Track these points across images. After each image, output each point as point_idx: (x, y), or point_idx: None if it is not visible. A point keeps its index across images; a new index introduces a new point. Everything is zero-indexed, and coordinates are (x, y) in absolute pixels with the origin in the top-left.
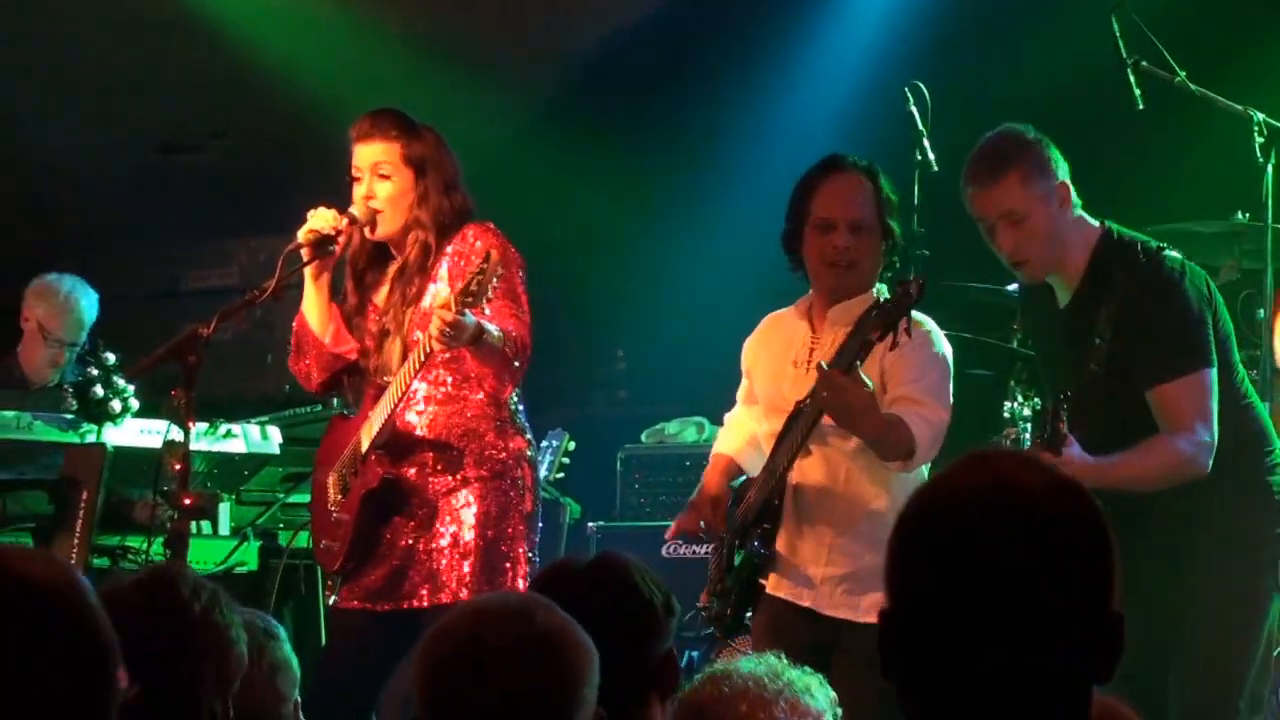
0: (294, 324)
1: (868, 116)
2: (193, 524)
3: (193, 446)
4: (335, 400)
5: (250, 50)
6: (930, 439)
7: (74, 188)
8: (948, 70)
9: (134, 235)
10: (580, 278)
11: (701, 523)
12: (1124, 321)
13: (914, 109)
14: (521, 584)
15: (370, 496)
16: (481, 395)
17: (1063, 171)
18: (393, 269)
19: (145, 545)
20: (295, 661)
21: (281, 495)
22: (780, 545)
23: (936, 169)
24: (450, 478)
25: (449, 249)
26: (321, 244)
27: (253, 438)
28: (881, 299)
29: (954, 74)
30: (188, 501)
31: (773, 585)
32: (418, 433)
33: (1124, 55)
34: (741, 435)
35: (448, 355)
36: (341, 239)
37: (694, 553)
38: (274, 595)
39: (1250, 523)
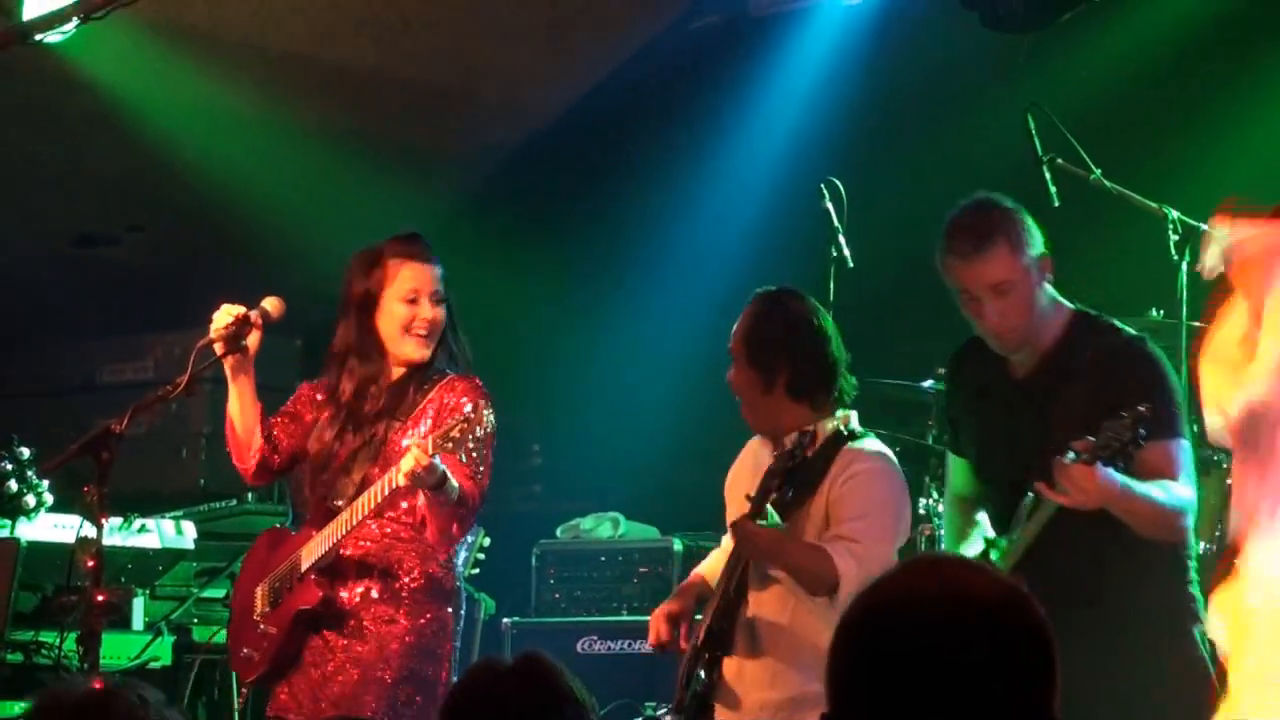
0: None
1: (784, 213)
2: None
3: (106, 541)
4: (250, 495)
5: (169, 144)
6: (858, 574)
7: None
8: (864, 166)
9: (50, 328)
10: (496, 372)
11: (659, 640)
12: (1104, 390)
13: (829, 205)
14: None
15: (303, 615)
16: (422, 533)
17: (1042, 244)
18: (370, 398)
19: (58, 640)
20: None
21: (196, 590)
22: (728, 671)
23: (852, 265)
24: (384, 606)
25: (435, 398)
26: (233, 339)
27: (167, 533)
28: (847, 442)
29: (870, 170)
30: (101, 598)
31: (719, 712)
32: (358, 559)
33: (1039, 152)
34: (720, 560)
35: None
36: (253, 334)
37: (608, 649)
38: (190, 690)
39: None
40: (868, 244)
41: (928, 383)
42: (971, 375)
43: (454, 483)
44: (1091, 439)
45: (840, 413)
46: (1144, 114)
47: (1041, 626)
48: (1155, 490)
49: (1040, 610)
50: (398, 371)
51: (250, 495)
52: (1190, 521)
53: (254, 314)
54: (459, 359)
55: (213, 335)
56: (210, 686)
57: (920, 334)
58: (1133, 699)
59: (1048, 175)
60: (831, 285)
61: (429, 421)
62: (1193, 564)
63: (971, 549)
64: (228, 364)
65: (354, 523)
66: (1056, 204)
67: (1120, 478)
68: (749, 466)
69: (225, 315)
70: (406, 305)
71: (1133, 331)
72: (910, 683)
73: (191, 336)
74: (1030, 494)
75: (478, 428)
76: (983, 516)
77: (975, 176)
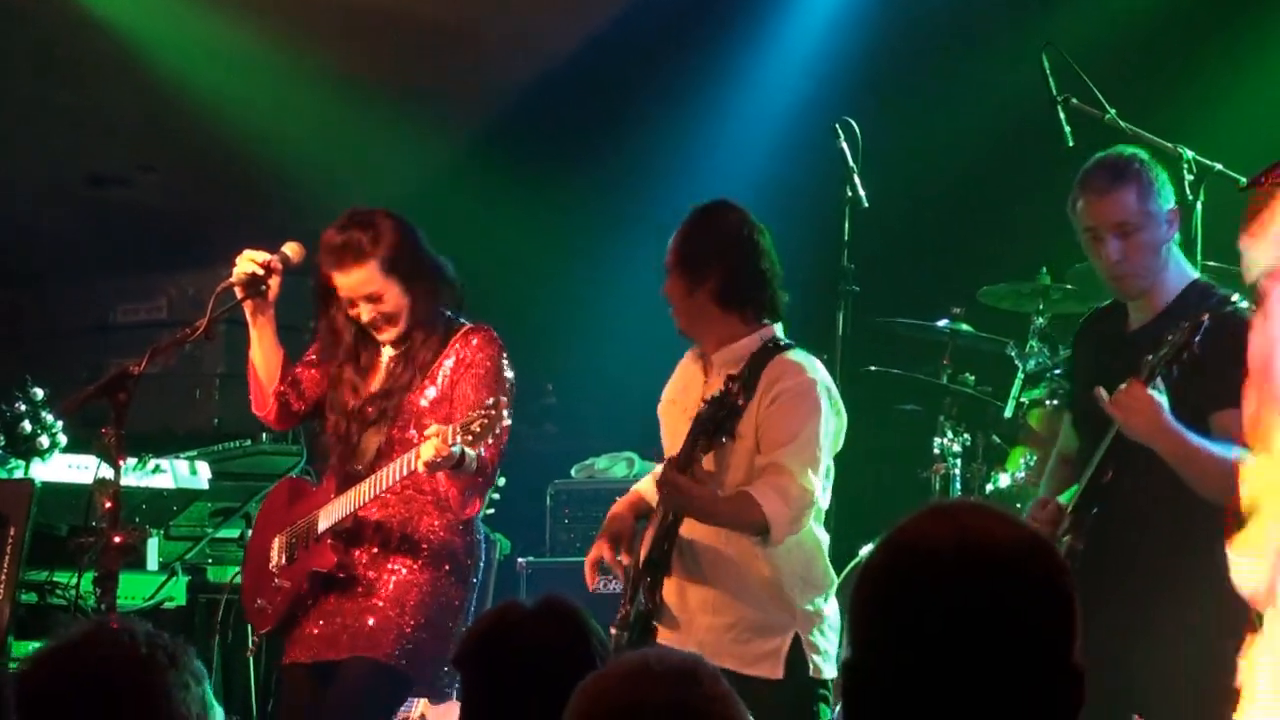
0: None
1: (799, 153)
2: None
3: (121, 482)
4: (264, 435)
5: (180, 85)
6: (788, 515)
7: (3, 222)
8: (879, 107)
9: (63, 269)
10: (510, 312)
11: (598, 564)
12: (1201, 348)
13: (844, 145)
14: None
15: (317, 575)
16: (443, 501)
17: (1175, 199)
18: (387, 353)
19: (74, 581)
20: (213, 702)
21: (210, 530)
22: (669, 594)
23: (867, 205)
24: (403, 559)
25: (451, 353)
26: (253, 284)
27: (181, 473)
28: (779, 351)
29: (885, 111)
30: (118, 540)
31: (661, 634)
32: (376, 520)
33: (1054, 93)
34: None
35: None
36: (274, 279)
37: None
38: (204, 630)
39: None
40: (882, 184)
41: (942, 322)
42: (1096, 334)
43: (472, 454)
44: (1154, 356)
45: (768, 325)
46: (1159, 54)
47: (1061, 575)
48: (1212, 445)
49: (1060, 558)
50: (413, 341)
51: (265, 435)
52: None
53: (275, 259)
54: (447, 301)
55: (233, 280)
56: (226, 627)
57: (934, 274)
58: (1170, 655)
59: (1062, 115)
60: (846, 225)
61: (446, 374)
62: None
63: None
64: (247, 308)
65: (372, 495)
66: (1071, 144)
67: (1169, 419)
68: (680, 384)
69: (247, 262)
70: (352, 309)
71: (1245, 306)
72: (928, 632)
73: (205, 277)
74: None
75: (500, 423)
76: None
77: (990, 117)
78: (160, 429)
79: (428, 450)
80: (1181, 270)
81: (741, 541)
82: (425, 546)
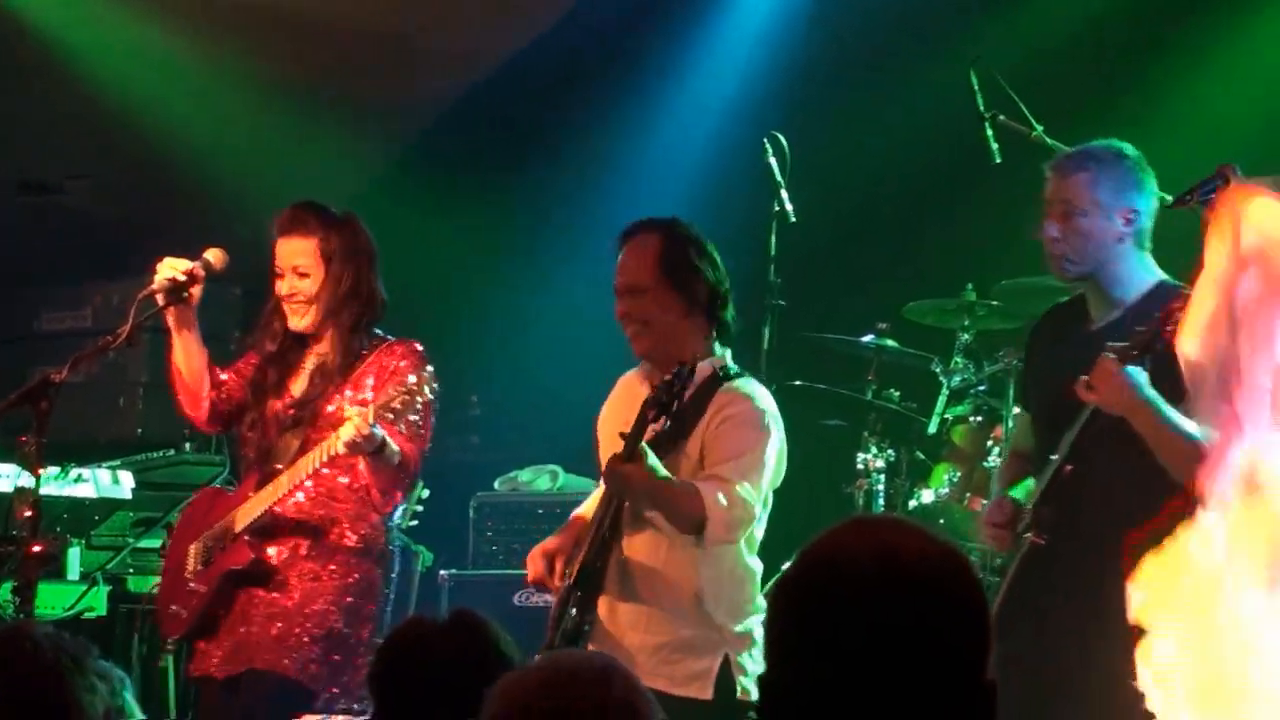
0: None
1: (727, 166)
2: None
3: (42, 490)
4: (187, 445)
5: (112, 93)
6: (726, 516)
7: None
8: (807, 122)
9: None
10: (435, 322)
11: (535, 577)
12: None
13: (772, 160)
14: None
15: (232, 574)
16: (359, 493)
17: (1141, 201)
18: (311, 361)
19: None
20: (134, 708)
21: (132, 540)
22: (601, 612)
23: (794, 219)
24: (312, 563)
25: (375, 363)
26: (174, 291)
27: (103, 482)
28: (728, 380)
29: (813, 126)
30: (37, 549)
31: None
32: (293, 519)
33: (982, 109)
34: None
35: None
36: (196, 287)
37: (545, 602)
38: (124, 640)
39: None
40: (810, 199)
41: (868, 337)
42: (1053, 331)
43: (394, 446)
44: (1125, 343)
45: (719, 350)
46: (1086, 71)
47: (975, 590)
48: (1184, 420)
49: (975, 574)
50: (331, 336)
51: (188, 445)
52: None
53: (196, 266)
54: (369, 321)
55: (154, 287)
56: (146, 637)
57: (860, 289)
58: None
59: (989, 132)
60: (773, 240)
61: (370, 383)
62: None
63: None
64: (170, 315)
65: (290, 486)
66: (998, 160)
67: (1151, 391)
68: (622, 403)
69: (168, 269)
70: (279, 280)
71: None
72: (846, 647)
73: (132, 286)
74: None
75: (418, 399)
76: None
77: (918, 132)
78: (83, 438)
79: (347, 430)
80: (1147, 269)
81: (676, 561)
82: (339, 555)
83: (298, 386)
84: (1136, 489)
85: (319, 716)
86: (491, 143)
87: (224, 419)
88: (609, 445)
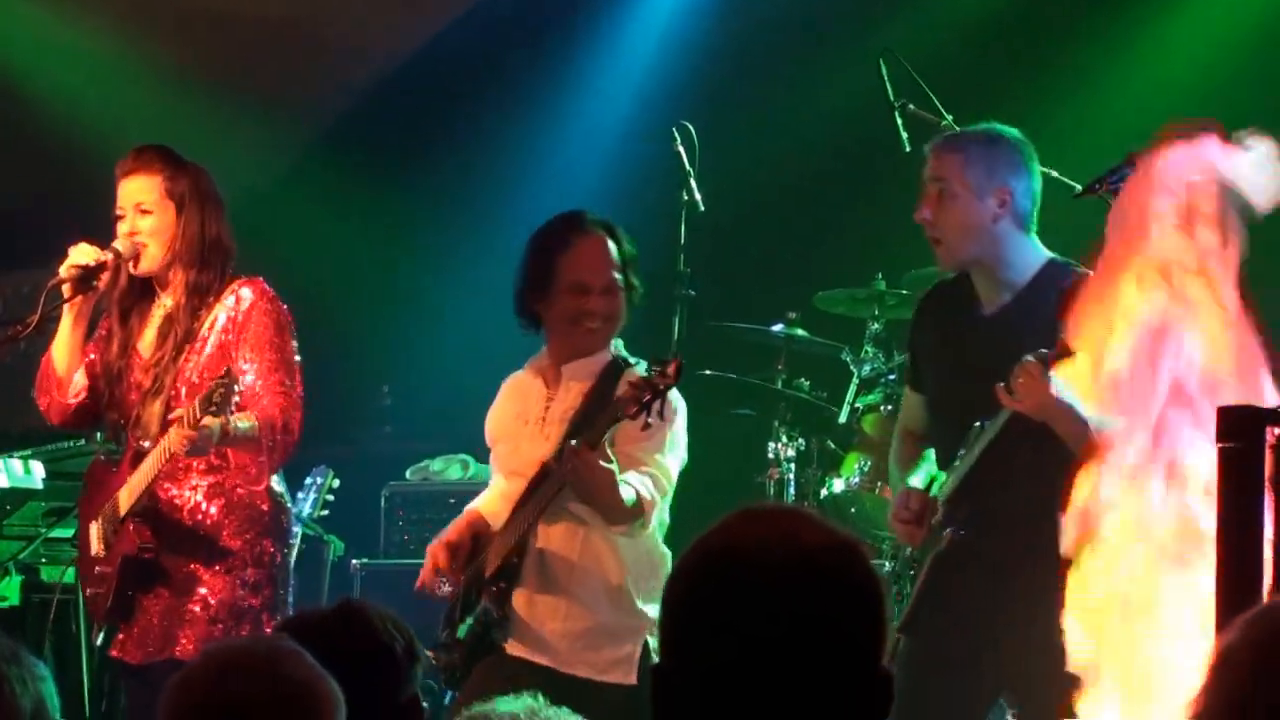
0: (41, 360)
1: (635, 156)
2: None
3: None
4: (99, 435)
5: (14, 80)
6: (655, 507)
7: None
8: (716, 111)
9: None
10: (346, 313)
11: (436, 569)
12: (1061, 315)
13: (681, 149)
14: None
15: (128, 560)
16: (241, 466)
17: (1018, 182)
18: (158, 314)
19: None
20: (56, 700)
21: (44, 530)
22: (518, 604)
23: (703, 209)
24: (205, 544)
25: (221, 309)
26: (84, 279)
27: (15, 472)
28: (628, 367)
29: (722, 115)
30: None
31: (511, 646)
32: (176, 499)
33: (892, 98)
34: (495, 498)
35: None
36: (105, 275)
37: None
38: (37, 630)
39: None
40: (718, 188)
41: (777, 327)
42: (941, 310)
43: (242, 425)
44: (1046, 350)
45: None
46: (996, 61)
47: (871, 579)
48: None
49: (870, 563)
50: (178, 282)
51: (99, 435)
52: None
53: (106, 254)
54: (207, 251)
55: (63, 275)
56: (59, 625)
57: (770, 278)
58: (1036, 628)
59: (899, 121)
60: (682, 229)
61: (217, 333)
62: None
63: (915, 479)
64: (71, 306)
65: (159, 464)
66: (908, 149)
67: (1070, 395)
68: (515, 401)
69: (79, 255)
70: (120, 222)
71: None
72: (738, 633)
73: (40, 275)
74: (977, 423)
75: (237, 385)
76: (930, 452)
77: (828, 121)
78: None
79: (175, 440)
80: (1033, 250)
81: (593, 550)
82: (220, 525)
83: (145, 343)
84: (1055, 483)
85: None
86: (400, 134)
87: (87, 418)
88: (512, 440)
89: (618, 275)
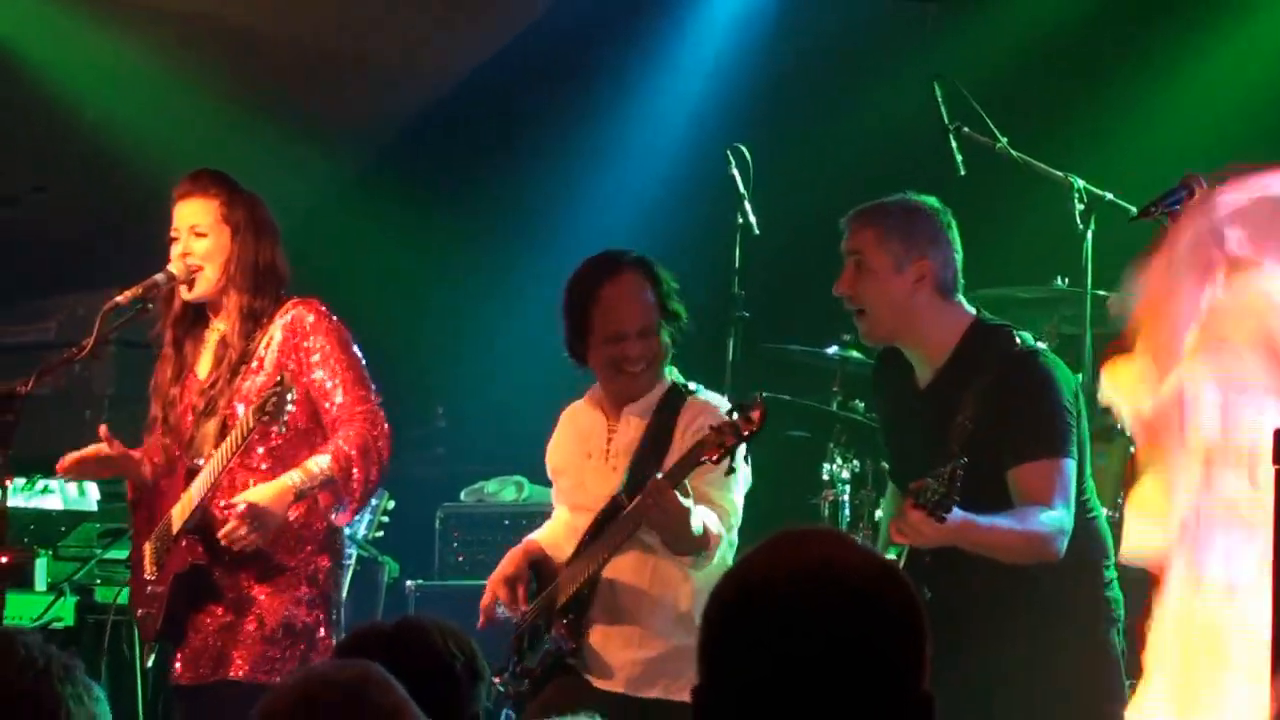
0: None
1: (690, 178)
2: None
3: (9, 503)
4: None
5: (71, 105)
6: (721, 542)
7: None
8: (770, 133)
9: None
10: (399, 335)
11: (498, 602)
12: (993, 401)
13: (735, 172)
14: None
15: (180, 578)
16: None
17: (937, 252)
18: (212, 339)
19: None
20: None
21: (99, 551)
22: (591, 634)
23: (758, 232)
24: (259, 561)
25: (277, 329)
26: (140, 302)
27: (70, 494)
28: (688, 394)
29: (777, 137)
30: (4, 560)
31: (585, 675)
32: (224, 515)
33: (946, 121)
34: (557, 530)
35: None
36: (159, 294)
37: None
38: (92, 651)
39: (1094, 643)
40: (773, 211)
41: (832, 349)
42: (889, 382)
43: (303, 483)
44: (927, 480)
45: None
46: (1049, 83)
47: (912, 603)
48: (1008, 521)
49: (912, 587)
50: (232, 308)
51: None
52: (1063, 543)
53: (160, 278)
54: (261, 276)
55: (120, 299)
56: (114, 647)
57: (824, 300)
58: (1034, 695)
59: (954, 144)
60: (737, 252)
61: (274, 354)
62: (1108, 567)
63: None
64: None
65: (213, 479)
66: (963, 172)
67: (962, 515)
68: (580, 432)
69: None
70: (174, 245)
71: (1030, 342)
72: (772, 650)
73: (95, 298)
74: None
75: (290, 394)
76: None
77: (882, 144)
78: (49, 450)
79: (231, 532)
80: (956, 315)
81: (663, 578)
82: (275, 543)
83: (201, 367)
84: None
85: None
86: (455, 156)
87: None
88: (576, 475)
89: (654, 315)
